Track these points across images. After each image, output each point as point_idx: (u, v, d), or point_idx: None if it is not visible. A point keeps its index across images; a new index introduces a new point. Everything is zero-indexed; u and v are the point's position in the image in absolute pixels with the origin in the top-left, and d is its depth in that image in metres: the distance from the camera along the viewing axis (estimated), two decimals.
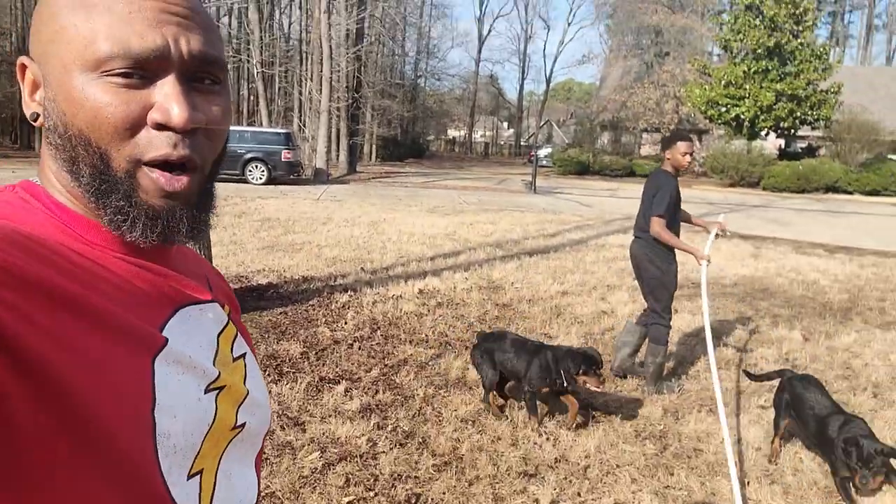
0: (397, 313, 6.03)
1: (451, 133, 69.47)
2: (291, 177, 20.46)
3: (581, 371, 3.63)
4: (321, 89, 23.73)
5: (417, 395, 4.21)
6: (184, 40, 0.61)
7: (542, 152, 37.74)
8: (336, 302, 6.24)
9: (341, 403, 3.99)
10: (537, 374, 3.81)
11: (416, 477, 3.20)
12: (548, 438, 3.70)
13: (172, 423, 0.59)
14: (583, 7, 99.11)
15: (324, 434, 3.57)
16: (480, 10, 63.86)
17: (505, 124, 78.18)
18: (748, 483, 3.29)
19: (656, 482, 3.28)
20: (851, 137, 29.24)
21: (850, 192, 28.00)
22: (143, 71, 0.60)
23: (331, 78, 23.43)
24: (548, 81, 61.29)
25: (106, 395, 0.53)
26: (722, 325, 6.24)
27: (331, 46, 23.49)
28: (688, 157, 4.50)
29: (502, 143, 68.48)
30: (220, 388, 0.67)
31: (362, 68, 28.15)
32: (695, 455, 3.58)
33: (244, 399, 0.72)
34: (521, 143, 61.42)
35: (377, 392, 4.22)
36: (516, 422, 3.89)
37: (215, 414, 0.66)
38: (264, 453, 0.80)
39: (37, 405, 0.48)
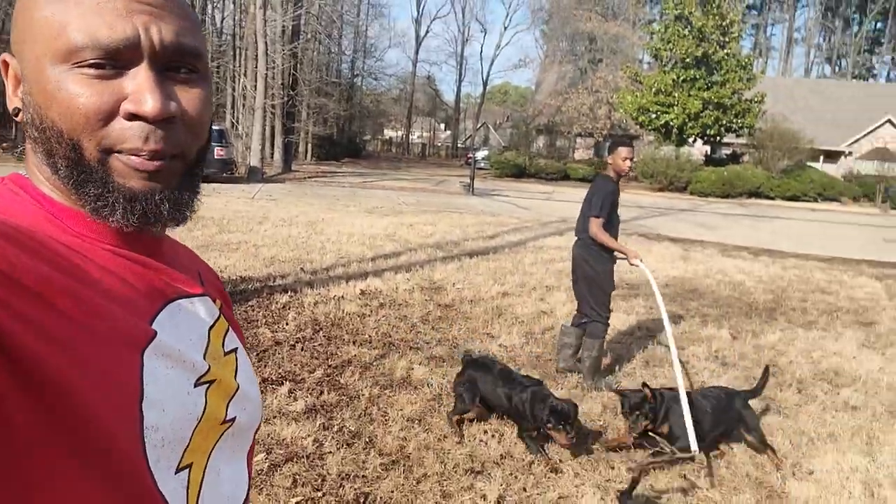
0: (339, 314, 5.99)
1: (388, 133, 69.25)
2: (225, 174, 20.01)
3: (551, 425, 3.43)
4: (256, 86, 23.31)
5: (363, 395, 4.20)
6: (155, 30, 0.61)
7: (480, 154, 38.09)
8: (276, 302, 6.15)
9: (286, 405, 3.95)
10: (527, 419, 3.62)
11: (364, 476, 3.21)
12: (493, 436, 3.76)
13: (161, 417, 0.58)
14: (519, 12, 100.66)
15: (269, 435, 3.52)
16: (418, 11, 63.87)
17: (442, 126, 78.43)
18: (684, 476, 3.43)
19: (598, 476, 3.38)
20: (773, 145, 30.67)
21: (772, 198, 29.36)
22: (114, 61, 0.60)
23: (266, 74, 23.04)
24: (484, 84, 61.85)
25: (99, 391, 0.53)
26: (655, 324, 6.45)
27: (266, 43, 23.10)
28: (628, 162, 4.66)
29: (439, 144, 68.68)
30: (211, 382, 0.67)
31: (298, 66, 27.79)
32: (634, 450, 3.70)
33: (234, 393, 0.72)
34: (459, 145, 61.77)
35: (322, 393, 4.19)
36: (462, 420, 3.93)
37: (205, 408, 0.65)
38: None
39: (35, 404, 0.48)
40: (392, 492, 3.09)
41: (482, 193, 22.36)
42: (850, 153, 40.18)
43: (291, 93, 26.37)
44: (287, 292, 6.49)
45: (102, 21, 0.59)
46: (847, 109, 43.55)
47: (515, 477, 3.32)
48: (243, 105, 28.02)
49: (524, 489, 3.20)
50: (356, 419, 3.85)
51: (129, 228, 0.63)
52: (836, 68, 71.22)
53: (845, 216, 24.28)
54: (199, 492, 0.65)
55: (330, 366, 4.69)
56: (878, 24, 70.85)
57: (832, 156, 40.42)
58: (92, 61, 0.59)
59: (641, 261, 4.54)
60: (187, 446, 0.63)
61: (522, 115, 45.43)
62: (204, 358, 0.68)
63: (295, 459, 3.29)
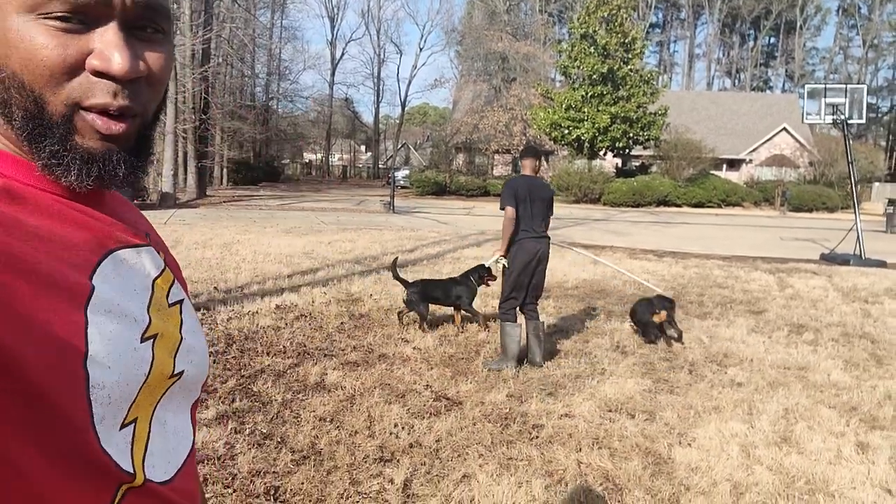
0: (253, 328, 6.02)
1: (308, 156, 68.66)
2: (135, 201, 19.50)
3: None
4: (166, 110, 22.85)
5: (275, 400, 4.28)
6: None
7: (401, 174, 38.38)
8: None
9: (196, 414, 3.97)
10: None
11: (274, 472, 3.29)
12: (403, 428, 3.90)
13: (107, 374, 0.57)
14: (433, 33, 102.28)
15: None
16: (332, 34, 63.82)
17: (363, 147, 78.42)
18: (580, 450, 3.66)
19: (500, 455, 3.57)
20: (678, 156, 32.22)
21: (679, 205, 30.79)
22: (83, 16, 0.58)
23: (176, 98, 22.63)
24: (403, 105, 62.26)
25: (37, 351, 0.52)
26: (564, 321, 6.77)
27: (175, 67, 22.72)
28: None
29: (360, 165, 68.64)
30: (155, 336, 0.66)
31: (210, 89, 27.39)
32: (535, 430, 3.93)
33: (179, 346, 0.71)
34: (380, 166, 61.91)
35: (234, 400, 4.23)
36: (374, 416, 4.07)
37: (152, 363, 0.64)
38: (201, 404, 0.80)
39: None
40: (302, 484, 3.19)
41: (403, 211, 22.56)
42: (751, 161, 42.60)
43: (203, 117, 25.96)
44: (199, 310, 6.46)
45: None
46: (746, 120, 46.25)
47: (423, 462, 3.47)
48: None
49: (430, 472, 3.36)
50: (268, 422, 3.93)
51: (82, 189, 0.62)
52: (736, 81, 75.49)
53: (747, 219, 25.71)
54: (146, 446, 0.64)
55: (243, 376, 4.73)
56: (772, 40, 75.64)
57: (734, 164, 42.77)
58: (59, 14, 0.57)
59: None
60: (133, 402, 0.62)
61: (441, 133, 46.05)
62: (147, 311, 0.66)
63: (205, 462, 3.35)
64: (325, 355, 5.33)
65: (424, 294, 6.24)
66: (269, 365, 4.99)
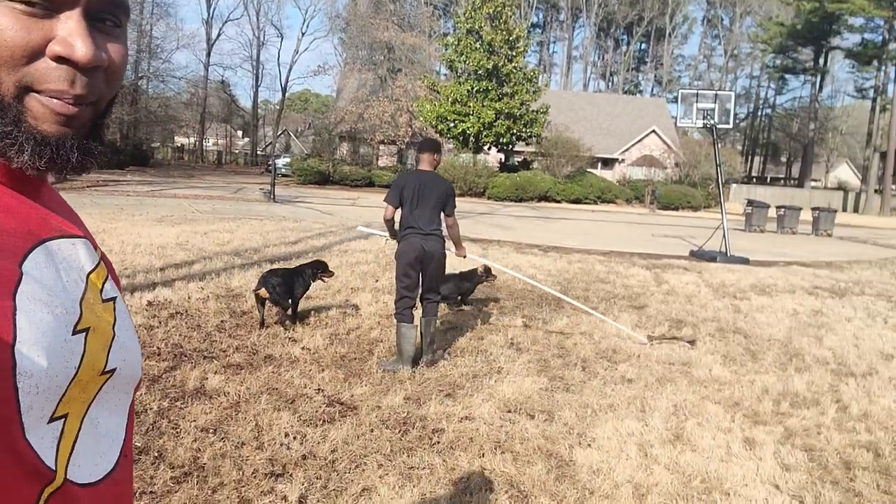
0: None
1: (180, 140, 65.29)
2: None
3: None
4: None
5: (150, 409, 3.88)
6: None
7: (281, 161, 37.19)
8: None
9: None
10: None
11: (152, 492, 2.94)
12: (294, 437, 3.64)
13: (35, 364, 0.56)
14: (316, 18, 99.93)
15: None
16: (208, 13, 60.80)
17: (240, 133, 75.55)
18: (483, 455, 3.55)
19: (401, 464, 3.39)
20: (558, 153, 33.28)
21: (559, 201, 31.82)
22: (48, 2, 0.59)
23: None
24: (284, 90, 60.42)
25: None
26: (458, 317, 6.69)
27: None
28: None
29: (237, 151, 66.09)
30: (88, 330, 0.64)
31: None
32: (435, 436, 3.78)
33: (112, 342, 0.69)
34: (258, 153, 59.81)
35: None
36: (262, 425, 3.77)
37: (83, 356, 0.63)
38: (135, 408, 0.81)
39: None
40: None
41: (284, 200, 21.82)
42: (623, 160, 44.74)
43: None
44: None
45: None
46: (620, 121, 48.51)
47: (318, 476, 3.23)
48: None
49: (326, 486, 3.12)
50: (143, 434, 3.54)
51: (33, 172, 0.62)
52: (610, 84, 79.04)
53: (620, 216, 26.93)
54: (74, 444, 0.63)
55: None
56: (643, 46, 79.74)
57: (608, 163, 44.78)
58: None
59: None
60: (63, 395, 0.60)
61: (324, 121, 45.05)
62: (80, 304, 0.65)
63: None
64: (205, 357, 4.94)
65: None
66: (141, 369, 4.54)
